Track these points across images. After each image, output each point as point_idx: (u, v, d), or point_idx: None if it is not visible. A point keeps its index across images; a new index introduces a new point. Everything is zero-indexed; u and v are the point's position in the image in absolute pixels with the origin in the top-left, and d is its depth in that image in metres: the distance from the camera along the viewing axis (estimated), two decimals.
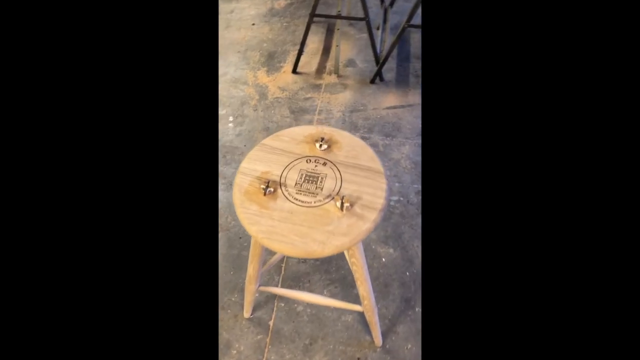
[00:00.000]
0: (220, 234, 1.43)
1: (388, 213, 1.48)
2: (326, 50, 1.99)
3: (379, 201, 0.75)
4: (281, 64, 1.94)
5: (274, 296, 1.28)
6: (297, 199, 0.75)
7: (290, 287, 1.31)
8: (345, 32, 2.06)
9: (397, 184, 1.53)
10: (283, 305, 1.27)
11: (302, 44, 1.80)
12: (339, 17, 1.73)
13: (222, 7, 2.17)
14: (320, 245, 0.69)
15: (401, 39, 1.91)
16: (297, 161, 0.81)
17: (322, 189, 0.77)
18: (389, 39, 1.90)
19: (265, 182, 0.75)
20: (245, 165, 0.81)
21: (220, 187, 1.55)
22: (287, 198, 0.76)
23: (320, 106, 1.79)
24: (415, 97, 1.76)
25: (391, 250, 1.38)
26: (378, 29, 2.00)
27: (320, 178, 0.78)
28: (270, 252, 1.28)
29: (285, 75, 1.89)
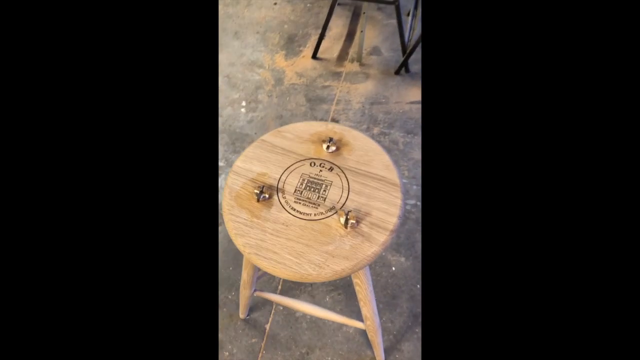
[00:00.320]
0: (220, 227, 1.33)
1: (403, 218, 1.35)
2: (350, 36, 1.84)
3: (391, 220, 0.62)
4: (301, 48, 1.79)
5: None
6: (294, 209, 0.64)
7: (290, 289, 1.21)
8: (372, 17, 1.89)
9: (415, 187, 1.39)
10: (282, 309, 1.17)
11: (324, 27, 1.65)
12: None
13: None
14: (316, 269, 0.58)
15: None
16: (300, 163, 0.69)
17: (324, 200, 0.65)
18: (419, 27, 1.73)
19: (259, 186, 0.64)
20: (239, 164, 0.69)
21: (225, 176, 1.45)
22: (283, 207, 0.64)
23: (339, 96, 1.65)
24: None
25: (402, 259, 1.26)
26: (408, 14, 1.82)
27: (324, 186, 0.66)
28: None
29: (304, 61, 1.75)
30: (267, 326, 1.14)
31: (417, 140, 1.50)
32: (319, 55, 1.74)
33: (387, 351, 1.08)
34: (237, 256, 1.27)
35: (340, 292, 1.20)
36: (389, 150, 1.30)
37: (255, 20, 1.88)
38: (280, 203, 0.64)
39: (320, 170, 0.67)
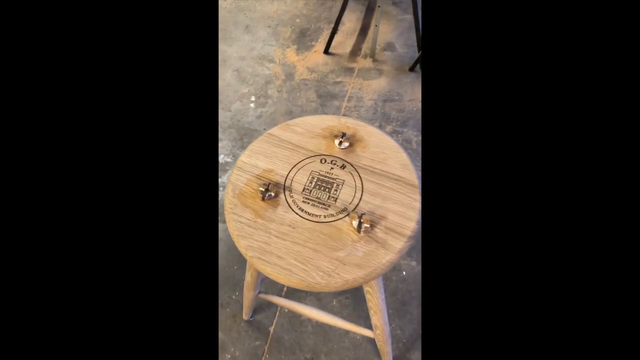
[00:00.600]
0: (224, 225, 1.28)
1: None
2: (363, 31, 1.76)
3: (409, 225, 0.55)
4: (313, 43, 1.73)
5: None
6: (303, 210, 0.57)
7: (296, 291, 1.15)
8: (387, 12, 1.82)
9: None
10: (287, 311, 1.11)
11: (337, 21, 1.58)
12: None
13: None
14: (325, 278, 0.51)
15: None
16: (309, 160, 0.62)
17: (336, 200, 0.58)
18: None
19: (265, 183, 0.57)
20: (244, 159, 0.63)
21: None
22: (290, 207, 0.58)
23: (351, 92, 1.58)
24: None
25: (414, 264, 1.19)
26: None
27: (335, 185, 0.60)
28: None
29: (315, 55, 1.69)
30: (272, 329, 1.09)
31: None
32: (331, 50, 1.67)
33: None
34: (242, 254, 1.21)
35: (347, 295, 1.13)
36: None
37: (267, 14, 1.82)
38: (287, 202, 0.58)
39: (332, 168, 0.61)
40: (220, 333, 1.08)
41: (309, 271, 0.52)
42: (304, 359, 1.04)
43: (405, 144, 1.41)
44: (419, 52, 1.56)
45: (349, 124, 0.66)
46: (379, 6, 1.50)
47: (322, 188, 0.59)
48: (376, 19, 1.53)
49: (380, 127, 1.46)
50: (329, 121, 0.66)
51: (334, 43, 1.68)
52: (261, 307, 1.12)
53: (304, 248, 0.54)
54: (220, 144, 1.45)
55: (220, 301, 1.13)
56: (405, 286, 1.14)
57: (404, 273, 1.17)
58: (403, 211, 0.56)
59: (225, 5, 1.84)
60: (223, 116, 1.53)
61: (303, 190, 0.59)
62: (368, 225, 0.54)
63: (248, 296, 0.92)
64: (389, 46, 1.69)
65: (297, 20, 1.80)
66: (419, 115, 1.49)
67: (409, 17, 1.78)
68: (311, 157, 0.62)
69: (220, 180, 1.35)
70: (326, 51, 1.66)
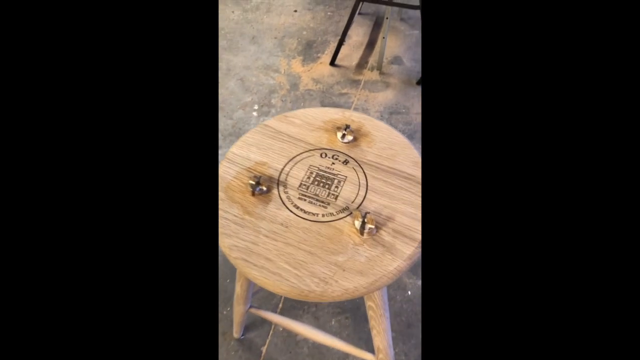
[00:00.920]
0: None
1: None
2: (371, 45, 1.73)
3: (420, 228, 0.47)
4: (319, 55, 1.69)
5: None
6: (298, 207, 0.50)
7: (292, 309, 1.05)
8: (394, 28, 1.79)
9: None
10: (281, 330, 1.01)
11: (345, 32, 1.54)
12: (389, 3, 1.46)
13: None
14: (321, 285, 0.43)
15: None
16: (308, 154, 0.55)
17: (336, 198, 0.50)
18: None
19: (255, 176, 0.50)
20: (235, 150, 0.56)
21: None
22: (284, 203, 0.50)
23: (357, 104, 1.52)
24: None
25: (420, 282, 1.09)
26: None
27: (336, 181, 0.52)
28: None
29: (321, 67, 1.65)
30: (264, 349, 0.98)
31: None
32: (337, 62, 1.63)
33: None
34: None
35: (348, 315, 1.03)
36: None
37: (274, 26, 1.80)
38: (281, 198, 0.50)
39: (333, 163, 0.54)
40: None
41: (302, 277, 0.43)
42: None
43: None
44: None
45: (354, 117, 0.59)
46: (387, 18, 1.46)
47: (322, 184, 0.51)
48: (384, 30, 1.49)
49: None
50: (332, 114, 0.59)
51: (340, 55, 1.64)
52: (254, 324, 1.02)
53: (298, 250, 0.45)
54: (220, 152, 1.39)
55: None
56: (411, 307, 1.04)
57: (410, 292, 1.07)
58: (414, 212, 0.48)
59: (233, 17, 1.83)
60: (225, 124, 1.48)
61: (300, 185, 0.51)
62: (373, 227, 0.46)
63: (238, 311, 0.83)
64: (397, 60, 1.65)
65: (304, 33, 1.77)
66: None
67: (417, 32, 1.75)
68: (310, 150, 0.55)
69: None
70: (332, 63, 1.62)
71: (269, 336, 1.00)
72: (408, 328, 1.00)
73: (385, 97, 1.53)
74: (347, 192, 0.51)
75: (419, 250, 0.45)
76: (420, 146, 1.37)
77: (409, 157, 0.54)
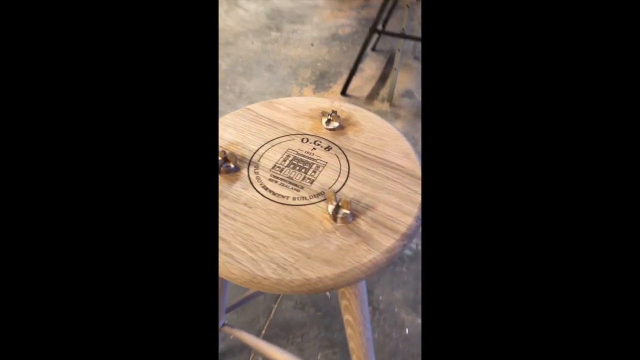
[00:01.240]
0: None
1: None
2: (383, 79, 1.73)
3: (405, 220, 0.40)
4: (331, 84, 1.69)
5: None
6: (267, 189, 0.43)
7: (276, 337, 0.94)
8: (408, 64, 1.80)
9: None
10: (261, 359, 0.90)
11: (357, 62, 1.55)
12: (402, 35, 1.47)
13: (286, 27, 2.03)
14: (278, 272, 0.36)
15: None
16: (288, 138, 0.50)
17: (312, 182, 0.44)
18: None
19: (223, 151, 0.45)
20: None
21: None
22: (251, 183, 0.44)
23: None
24: None
25: (419, 321, 0.97)
26: None
27: (314, 166, 0.46)
28: None
29: (332, 96, 1.64)
30: None
31: None
32: (348, 92, 1.62)
33: None
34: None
35: (336, 350, 0.92)
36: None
37: (290, 57, 1.84)
38: (249, 178, 0.44)
39: (314, 149, 0.48)
40: None
41: (258, 261, 0.36)
42: None
43: None
44: None
45: (344, 107, 0.54)
46: (399, 49, 1.47)
47: (298, 168, 0.45)
48: (396, 62, 1.49)
49: None
50: (320, 102, 0.55)
51: (352, 86, 1.64)
52: (231, 351, 0.91)
53: (258, 232, 0.39)
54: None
55: None
56: (408, 347, 0.92)
57: (407, 331, 0.95)
58: (398, 203, 0.41)
59: (252, 47, 1.88)
60: None
61: (273, 167, 0.46)
62: (348, 212, 0.39)
63: None
64: (408, 93, 1.64)
65: (319, 64, 1.80)
66: None
67: None
68: (291, 135, 0.50)
69: None
70: (343, 92, 1.62)
71: None
72: None
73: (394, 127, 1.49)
74: (325, 178, 0.44)
75: (402, 243, 0.38)
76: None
77: (399, 148, 0.48)
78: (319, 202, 0.42)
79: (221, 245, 0.37)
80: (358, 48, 1.90)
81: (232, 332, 0.74)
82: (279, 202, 0.41)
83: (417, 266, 1.09)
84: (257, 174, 0.45)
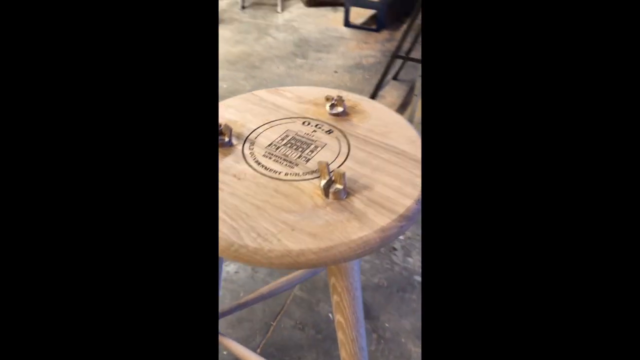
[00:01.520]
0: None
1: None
2: (403, 106, 1.73)
3: (404, 202, 0.36)
4: None
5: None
6: (259, 163, 0.41)
7: (271, 357, 0.88)
8: None
9: None
10: None
11: (377, 87, 1.56)
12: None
13: (311, 55, 2.09)
14: (257, 241, 0.32)
15: None
16: (289, 120, 0.48)
17: (307, 161, 0.42)
18: None
19: (219, 124, 0.43)
20: None
21: None
22: (244, 158, 0.42)
23: None
24: None
25: None
26: None
27: (312, 146, 0.44)
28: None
29: None
30: None
31: None
32: None
33: None
34: None
35: None
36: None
37: (312, 82, 1.87)
38: (243, 153, 0.42)
39: (314, 131, 0.46)
40: None
41: (238, 230, 0.33)
42: None
43: None
44: None
45: (351, 97, 0.52)
46: (420, 76, 1.47)
47: (295, 147, 0.43)
48: (417, 88, 1.49)
49: None
50: (327, 92, 0.53)
51: None
52: None
53: (244, 202, 0.36)
54: None
55: None
56: None
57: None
58: (399, 185, 0.38)
59: (277, 71, 1.94)
60: None
61: (269, 145, 0.43)
62: (341, 187, 0.36)
63: None
64: None
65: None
66: None
67: None
68: (292, 117, 0.48)
69: None
70: None
71: None
72: None
73: None
74: (323, 158, 0.42)
75: (397, 224, 0.34)
76: None
77: (405, 135, 0.45)
78: (313, 179, 0.39)
79: None
80: (380, 76, 1.92)
81: (223, 341, 0.69)
82: (269, 177, 0.39)
83: None
84: (252, 150, 0.43)
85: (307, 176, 0.39)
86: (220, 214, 0.35)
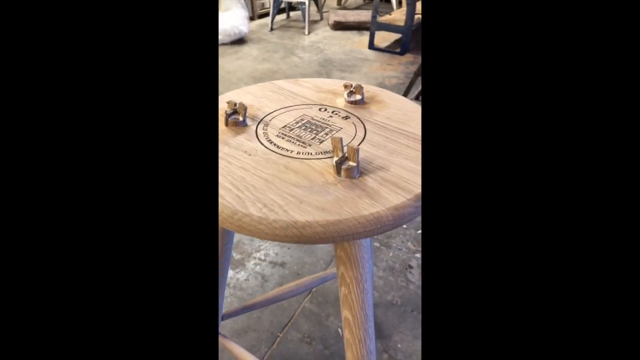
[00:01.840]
0: None
1: None
2: None
3: (419, 182, 0.34)
4: None
5: None
6: (272, 142, 0.40)
7: None
8: None
9: None
10: None
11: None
12: None
13: (335, 74, 2.12)
14: (263, 211, 0.31)
15: None
16: (305, 106, 0.47)
17: (321, 142, 0.40)
18: None
19: (233, 103, 0.43)
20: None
21: None
22: (257, 137, 0.41)
23: None
24: None
25: None
26: None
27: (327, 129, 0.42)
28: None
29: None
30: None
31: None
32: None
33: None
34: None
35: None
36: None
37: None
38: (256, 133, 0.41)
39: (330, 116, 0.45)
40: None
41: (244, 199, 0.32)
42: None
43: None
44: None
45: (369, 87, 0.51)
46: None
47: (310, 130, 0.42)
48: None
49: None
50: (347, 83, 0.52)
51: None
52: None
53: (252, 176, 0.35)
54: None
55: None
56: None
57: None
58: (415, 167, 0.36)
59: None
60: None
61: (284, 127, 0.42)
62: (354, 165, 0.34)
63: None
64: None
65: None
66: None
67: None
68: (309, 104, 0.47)
69: None
70: None
71: None
72: None
73: None
74: None
75: (413, 204, 0.32)
76: None
77: None
78: (325, 158, 0.37)
79: None
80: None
81: (224, 343, 0.66)
82: (281, 154, 0.38)
83: None
84: (266, 130, 0.42)
85: (320, 156, 0.38)
86: (226, 184, 0.33)
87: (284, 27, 2.92)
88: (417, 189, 0.33)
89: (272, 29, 2.78)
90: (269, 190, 0.33)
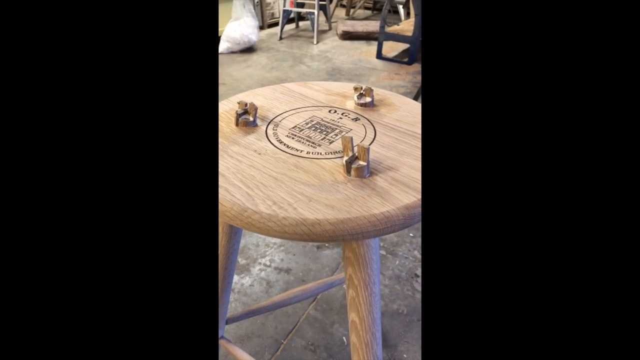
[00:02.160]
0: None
1: None
2: None
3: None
4: None
5: None
6: (282, 142, 0.40)
7: None
8: None
9: None
10: None
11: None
12: None
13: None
14: (272, 209, 0.31)
15: None
16: (315, 108, 0.47)
17: (331, 143, 0.40)
18: None
19: (244, 104, 0.43)
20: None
21: None
22: (267, 136, 0.41)
23: None
24: None
25: None
26: None
27: (337, 131, 0.42)
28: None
29: None
30: None
31: None
32: None
33: None
34: None
35: None
36: None
37: None
38: (266, 133, 0.41)
39: (340, 118, 0.45)
40: None
41: (253, 197, 0.32)
42: None
43: None
44: None
45: (379, 91, 0.51)
46: None
47: (319, 130, 0.42)
48: None
49: None
50: (356, 86, 0.53)
51: None
52: None
53: (262, 174, 0.35)
54: None
55: None
56: None
57: None
58: None
59: None
60: None
61: (293, 127, 0.43)
62: (364, 164, 0.34)
63: None
64: None
65: None
66: None
67: None
68: (319, 106, 0.47)
69: None
70: None
71: None
72: None
73: None
74: None
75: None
76: None
77: None
78: (335, 158, 0.37)
79: (220, 180, 0.34)
80: None
81: (229, 347, 0.66)
82: (291, 154, 0.38)
83: None
84: (276, 131, 0.42)
85: (330, 155, 0.38)
86: (236, 182, 0.33)
87: (292, 36, 2.96)
88: None
89: (281, 38, 2.81)
90: (278, 188, 0.33)
